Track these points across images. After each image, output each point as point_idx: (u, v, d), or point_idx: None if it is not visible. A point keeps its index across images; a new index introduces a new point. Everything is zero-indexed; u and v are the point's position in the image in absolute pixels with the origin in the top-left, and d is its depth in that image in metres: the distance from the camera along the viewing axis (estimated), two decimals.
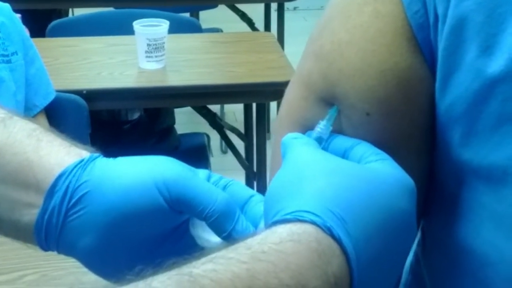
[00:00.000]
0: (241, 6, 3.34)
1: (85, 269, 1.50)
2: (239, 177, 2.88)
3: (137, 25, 2.23)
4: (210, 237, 0.62)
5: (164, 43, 2.24)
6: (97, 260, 0.62)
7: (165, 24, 2.24)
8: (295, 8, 5.08)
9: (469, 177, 0.58)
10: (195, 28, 2.67)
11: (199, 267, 0.49)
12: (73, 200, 0.60)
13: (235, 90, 2.27)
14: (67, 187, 0.60)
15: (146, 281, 0.49)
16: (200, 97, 2.32)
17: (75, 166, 0.61)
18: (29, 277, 1.38)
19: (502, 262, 0.57)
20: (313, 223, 0.52)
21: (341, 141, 0.61)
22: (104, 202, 0.60)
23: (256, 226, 0.61)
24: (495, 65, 0.55)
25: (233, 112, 3.62)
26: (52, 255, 1.51)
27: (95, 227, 0.60)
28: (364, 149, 0.59)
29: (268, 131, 2.94)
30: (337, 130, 0.62)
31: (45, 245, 0.62)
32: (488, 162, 0.56)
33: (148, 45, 2.23)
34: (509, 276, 0.57)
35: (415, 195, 0.57)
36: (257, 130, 2.39)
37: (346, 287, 0.52)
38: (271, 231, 0.53)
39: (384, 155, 0.58)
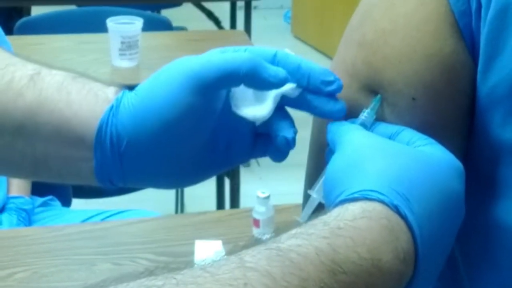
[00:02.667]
0: (207, 5, 3.34)
1: (75, 266, 1.50)
2: None
3: (110, 22, 2.22)
4: (255, 111, 0.65)
5: (138, 40, 2.24)
6: (167, 174, 0.66)
7: (138, 22, 2.24)
8: (255, 7, 5.10)
9: (508, 157, 0.60)
10: (166, 26, 2.67)
11: (285, 242, 0.52)
12: (122, 147, 0.64)
13: None
14: (111, 138, 0.64)
15: (237, 256, 0.51)
16: None
17: (109, 116, 0.64)
18: (19, 275, 1.37)
19: None
20: (380, 201, 0.55)
21: (385, 128, 0.62)
22: (150, 131, 0.63)
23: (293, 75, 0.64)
24: None
25: None
26: (43, 252, 1.51)
27: (152, 154, 0.64)
28: (411, 135, 0.61)
29: None
30: (380, 119, 0.63)
31: (113, 187, 0.66)
32: None
33: (122, 42, 2.22)
34: None
35: (464, 176, 0.60)
36: None
37: (412, 262, 0.55)
38: (343, 208, 0.55)
39: (430, 139, 0.60)
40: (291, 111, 0.66)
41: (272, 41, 4.71)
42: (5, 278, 1.36)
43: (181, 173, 0.66)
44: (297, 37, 4.92)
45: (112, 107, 0.64)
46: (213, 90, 0.64)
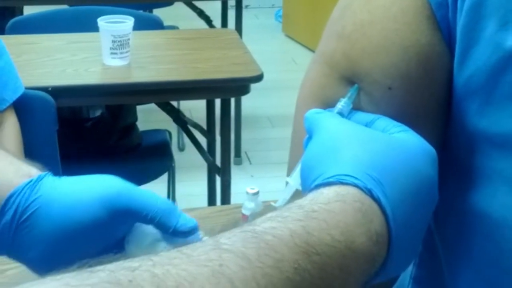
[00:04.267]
0: (198, 4, 3.35)
1: None
2: (200, 174, 2.90)
3: (101, 21, 2.22)
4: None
5: (129, 39, 2.24)
6: (43, 269, 0.67)
7: (129, 21, 2.24)
8: (246, 6, 5.12)
9: (484, 145, 0.62)
10: (157, 25, 2.68)
11: (260, 225, 0.53)
12: (23, 218, 0.67)
13: (201, 86, 2.29)
14: (17, 206, 0.67)
15: (214, 238, 0.52)
16: (165, 94, 2.33)
17: (24, 187, 0.68)
18: (11, 271, 1.38)
19: None
20: (354, 185, 0.57)
21: (361, 116, 0.64)
22: (50, 220, 0.67)
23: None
24: None
25: (189, 110, 3.63)
26: None
27: (42, 241, 0.67)
28: (386, 122, 0.63)
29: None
30: (356, 108, 0.65)
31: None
32: (504, 129, 0.60)
33: (113, 41, 2.23)
34: None
35: (437, 162, 0.62)
36: (222, 125, 2.41)
37: (385, 244, 0.57)
38: (318, 192, 0.57)
39: (405, 127, 0.62)
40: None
41: (263, 40, 4.73)
42: None
43: (53, 260, 0.68)
44: (288, 36, 4.93)
45: (31, 181, 0.68)
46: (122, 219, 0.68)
